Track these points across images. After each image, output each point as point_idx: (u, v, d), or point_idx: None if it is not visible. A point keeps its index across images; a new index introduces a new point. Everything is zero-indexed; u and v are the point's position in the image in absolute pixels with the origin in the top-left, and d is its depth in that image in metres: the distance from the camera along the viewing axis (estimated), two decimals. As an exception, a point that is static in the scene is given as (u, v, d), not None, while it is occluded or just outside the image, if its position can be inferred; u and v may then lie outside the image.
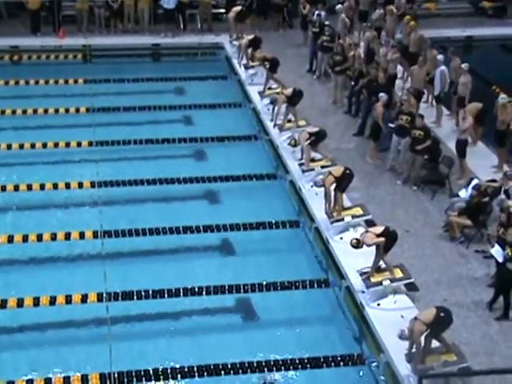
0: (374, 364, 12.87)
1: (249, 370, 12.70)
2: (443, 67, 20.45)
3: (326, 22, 24.45)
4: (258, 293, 14.58)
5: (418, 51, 22.52)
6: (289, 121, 20.02)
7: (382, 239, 13.82)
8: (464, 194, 16.68)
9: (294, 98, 19.82)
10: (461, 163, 18.11)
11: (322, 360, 12.91)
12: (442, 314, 12.12)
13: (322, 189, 16.18)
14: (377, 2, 26.82)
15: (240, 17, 25.92)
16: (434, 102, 20.98)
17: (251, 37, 24.09)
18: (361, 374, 12.86)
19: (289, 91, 19.91)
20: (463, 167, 18.09)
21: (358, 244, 14.16)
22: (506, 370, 12.47)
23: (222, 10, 28.13)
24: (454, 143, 18.31)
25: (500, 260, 14.02)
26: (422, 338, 12.07)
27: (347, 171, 16.07)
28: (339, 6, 25.65)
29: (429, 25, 25.21)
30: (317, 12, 25.44)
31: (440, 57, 20.80)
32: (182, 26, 27.85)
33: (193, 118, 21.89)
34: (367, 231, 14.23)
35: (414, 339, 12.06)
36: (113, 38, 27.11)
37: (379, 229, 14.18)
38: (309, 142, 17.80)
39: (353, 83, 21.79)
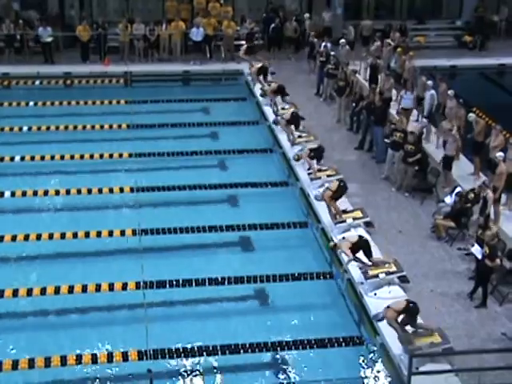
0: (371, 345, 12.78)
1: (264, 349, 12.61)
2: (432, 91, 20.34)
3: (332, 53, 24.42)
4: (272, 283, 14.46)
5: (410, 78, 22.46)
6: (299, 136, 19.99)
7: (350, 254, 13.94)
8: (449, 200, 16.56)
9: (293, 121, 19.87)
10: (446, 174, 18.01)
11: (326, 341, 12.80)
12: (411, 305, 12.13)
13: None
14: (375, 34, 26.77)
15: (249, 52, 26.04)
16: (423, 120, 20.86)
17: (259, 65, 24.18)
18: (360, 353, 12.77)
19: (287, 115, 20.02)
20: (448, 177, 17.99)
21: (334, 248, 14.22)
22: (484, 350, 12.41)
23: (243, 42, 28.09)
24: (441, 157, 18.24)
25: (479, 257, 13.92)
26: (396, 323, 11.99)
27: (341, 183, 16.07)
28: (342, 40, 25.58)
29: (419, 55, 25.04)
30: (323, 44, 25.40)
31: (430, 82, 20.69)
32: (208, 56, 27.86)
33: (217, 133, 21.83)
34: (344, 238, 14.13)
35: (389, 323, 12.04)
36: (150, 66, 27.09)
37: (354, 238, 14.14)
38: (309, 156, 17.89)
39: (354, 105, 21.73)
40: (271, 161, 20.19)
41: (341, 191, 16.08)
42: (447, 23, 31.76)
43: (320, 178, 17.72)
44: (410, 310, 12.15)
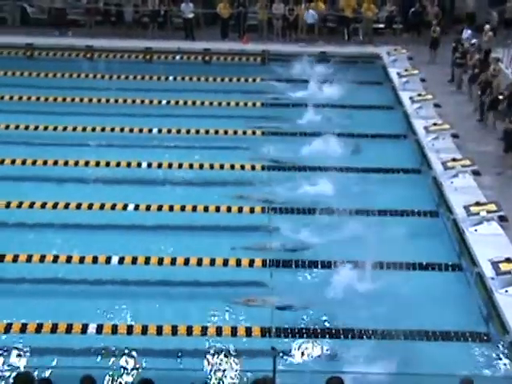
0: (500, 343, 12.27)
1: (387, 337, 12.34)
2: None
3: (473, 41, 23.51)
4: (398, 270, 14.19)
5: None
6: (434, 124, 19.43)
7: None
8: None
9: None
10: None
11: (451, 334, 12.44)
12: None
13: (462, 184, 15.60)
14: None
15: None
16: None
17: None
18: (486, 350, 12.29)
19: None
20: None
21: None
22: None
23: (382, 26, 27.58)
24: None
25: None
26: None
27: None
28: (487, 26, 24.61)
29: None
30: (464, 30, 24.61)
31: None
32: (346, 37, 27.53)
33: (351, 116, 21.42)
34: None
35: None
36: (287, 46, 27.06)
37: None
38: None
39: (479, 93, 20.75)
40: (404, 147, 19.72)
41: None
42: None
43: (454, 167, 17.18)
44: None
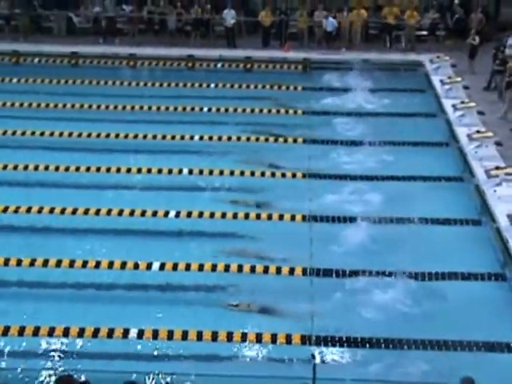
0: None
1: (429, 347, 12.21)
2: None
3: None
4: (440, 281, 13.99)
5: None
6: (478, 131, 19.19)
7: None
8: None
9: None
10: None
11: (494, 345, 12.22)
12: None
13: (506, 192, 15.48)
14: None
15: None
16: None
17: None
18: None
19: None
20: None
21: None
22: None
23: (425, 32, 27.34)
24: None
25: None
26: None
27: None
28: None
29: None
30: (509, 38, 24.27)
31: None
32: (388, 45, 27.36)
33: (393, 123, 21.27)
34: None
35: None
36: (328, 54, 26.97)
37: None
38: None
39: None
40: (446, 155, 19.47)
41: None
42: None
43: (498, 175, 16.93)
44: None
